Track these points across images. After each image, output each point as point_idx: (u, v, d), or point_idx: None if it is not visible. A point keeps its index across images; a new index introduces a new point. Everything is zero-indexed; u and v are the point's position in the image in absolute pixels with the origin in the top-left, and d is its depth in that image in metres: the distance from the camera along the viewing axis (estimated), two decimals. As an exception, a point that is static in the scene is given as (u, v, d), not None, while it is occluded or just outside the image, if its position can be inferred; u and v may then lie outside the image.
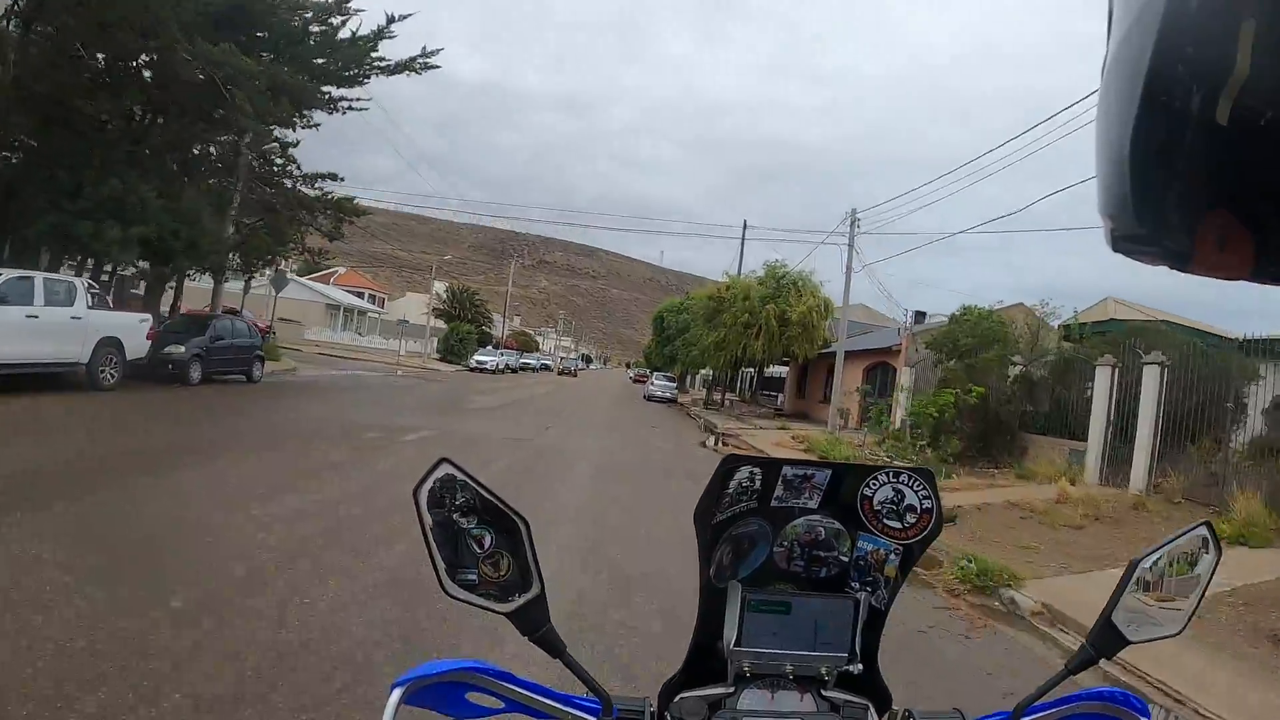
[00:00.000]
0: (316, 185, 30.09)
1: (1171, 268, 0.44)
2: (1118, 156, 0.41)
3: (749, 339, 27.19)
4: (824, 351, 28.68)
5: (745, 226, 34.51)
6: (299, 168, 29.48)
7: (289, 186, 29.24)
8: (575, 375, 63.27)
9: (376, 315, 54.85)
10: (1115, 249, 0.46)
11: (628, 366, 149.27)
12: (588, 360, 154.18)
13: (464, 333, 50.14)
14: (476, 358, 46.31)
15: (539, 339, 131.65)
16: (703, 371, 58.87)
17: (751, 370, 34.91)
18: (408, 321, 43.96)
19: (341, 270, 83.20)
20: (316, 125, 28.95)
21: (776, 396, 38.97)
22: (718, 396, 36.10)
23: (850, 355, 27.70)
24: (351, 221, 32.36)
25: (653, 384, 36.70)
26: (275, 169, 29.26)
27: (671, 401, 36.65)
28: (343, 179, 30.98)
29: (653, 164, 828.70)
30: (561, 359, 72.51)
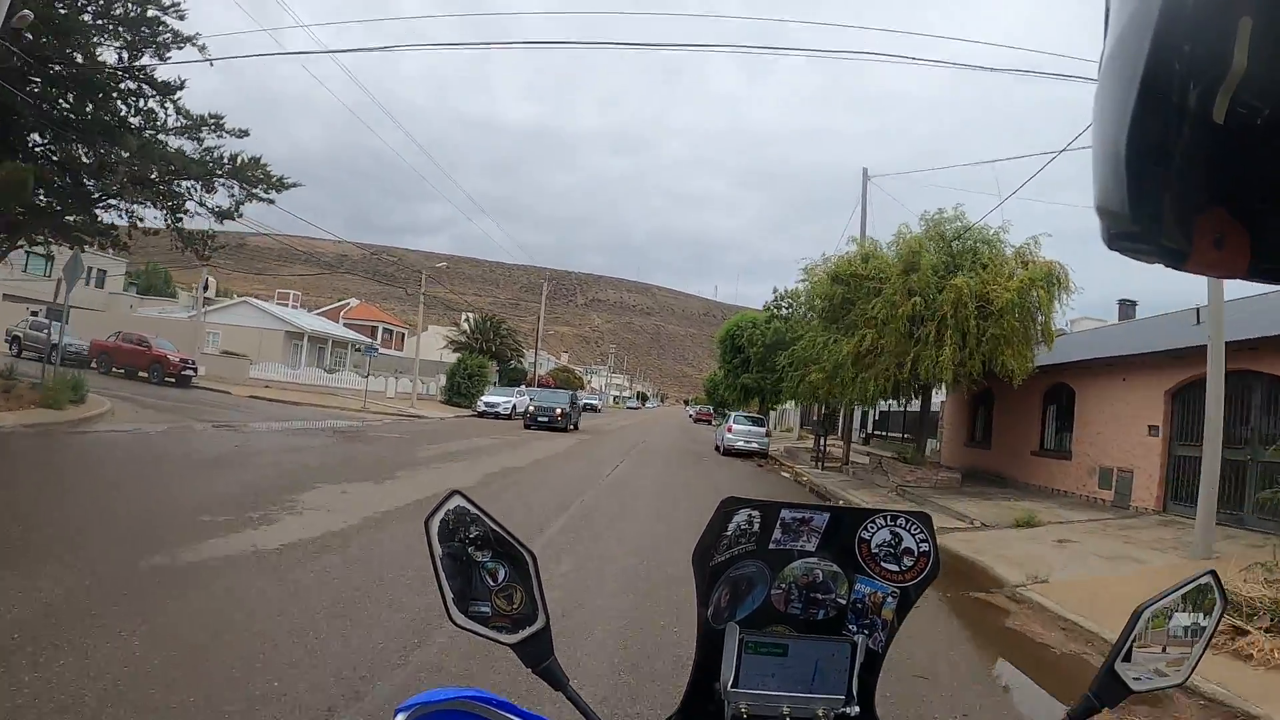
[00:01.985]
0: (199, 137, 19.27)
1: (1167, 266, 0.43)
2: (1114, 154, 0.40)
3: (924, 345, 14.39)
4: (1044, 365, 15.67)
5: (866, 176, 21.93)
6: (182, 115, 18.75)
7: (153, 139, 18.38)
8: (570, 425, 28.77)
9: (362, 349, 43.36)
10: (1111, 247, 0.45)
11: (685, 404, 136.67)
12: (643, 398, 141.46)
13: (473, 367, 38.29)
14: (485, 399, 34.34)
15: (590, 376, 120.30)
16: (782, 406, 45.19)
17: (891, 401, 21.67)
18: (376, 350, 32.42)
19: (354, 303, 73.58)
20: (201, 48, 18.36)
21: (916, 442, 25.69)
22: (829, 443, 23.02)
23: (1114, 366, 14.58)
24: (270, 200, 21.38)
25: (732, 430, 23.78)
26: (131, 110, 18.56)
27: (763, 456, 23.75)
28: (245, 132, 20.01)
29: (705, 198, 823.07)
30: (534, 399, 30.44)
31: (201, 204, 20.67)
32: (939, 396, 21.90)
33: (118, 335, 29.20)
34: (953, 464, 19.74)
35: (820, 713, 1.06)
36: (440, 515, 0.91)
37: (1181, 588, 1.00)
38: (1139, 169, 0.39)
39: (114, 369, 28.13)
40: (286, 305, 52.88)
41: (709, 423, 63.23)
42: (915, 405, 24.08)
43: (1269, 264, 0.39)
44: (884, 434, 29.95)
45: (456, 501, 0.92)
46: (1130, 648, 0.98)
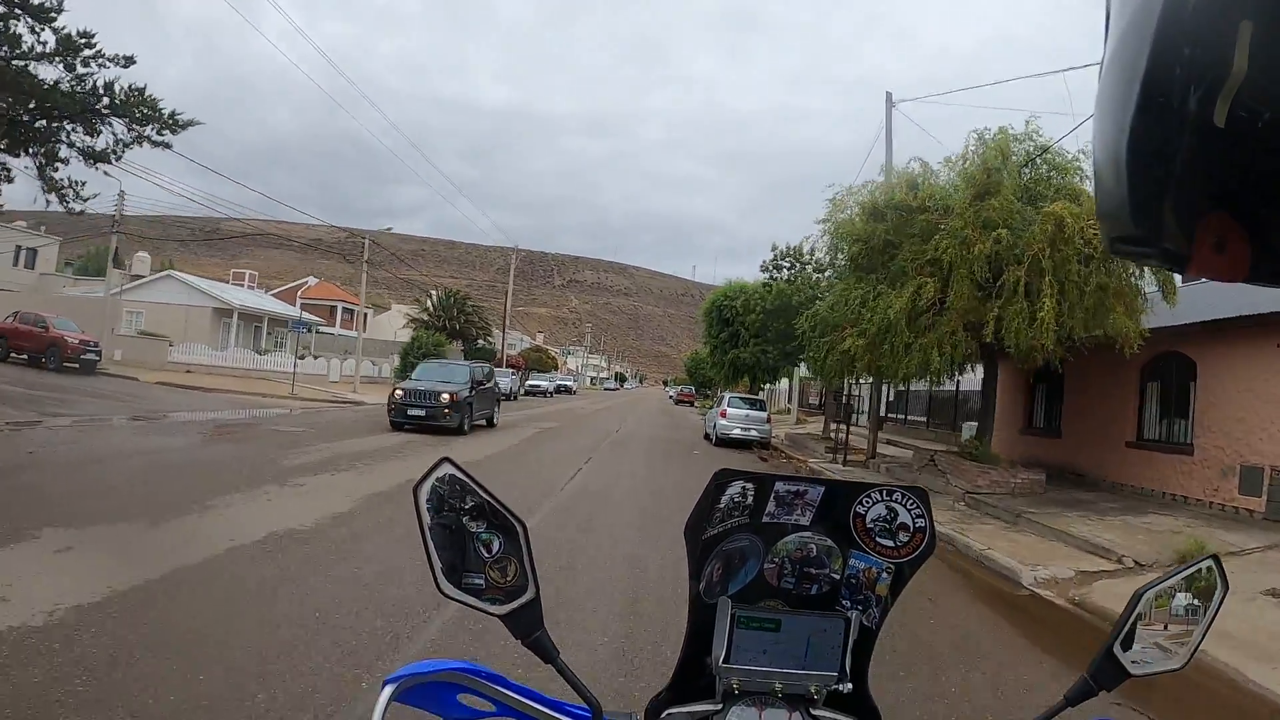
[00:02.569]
0: (68, 63, 15.13)
1: (1168, 269, 0.45)
2: (1115, 158, 0.40)
3: (1009, 298, 10.32)
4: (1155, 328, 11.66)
5: (890, 101, 17.79)
6: (55, 37, 14.57)
7: (19, 68, 14.28)
8: (466, 424, 16.03)
9: (290, 326, 38.33)
10: (1112, 250, 0.45)
11: (665, 384, 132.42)
12: (621, 379, 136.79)
13: (429, 346, 33.81)
14: (440, 381, 30.01)
15: (566, 357, 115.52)
16: (772, 386, 40.76)
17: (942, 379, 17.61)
18: (306, 327, 27.83)
19: (312, 281, 68.26)
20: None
21: (952, 427, 21.87)
22: (837, 428, 19.02)
23: (1266, 327, 10.63)
24: (166, 144, 17.24)
25: (727, 415, 19.65)
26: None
27: (765, 446, 19.69)
28: (130, 60, 16.05)
29: (684, 181, 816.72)
30: (412, 378, 17.58)
31: (71, 145, 16.34)
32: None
33: (15, 316, 24.60)
34: (1009, 456, 15.76)
35: (813, 689, 1.04)
36: (429, 483, 0.87)
37: (1182, 572, 0.98)
38: (1140, 173, 0.38)
39: (13, 354, 23.68)
40: (242, 286, 47.87)
41: (691, 404, 59.13)
42: (946, 385, 20.13)
43: (1271, 267, 0.38)
44: (902, 417, 26.01)
45: (446, 469, 0.88)
46: (1130, 631, 0.96)
